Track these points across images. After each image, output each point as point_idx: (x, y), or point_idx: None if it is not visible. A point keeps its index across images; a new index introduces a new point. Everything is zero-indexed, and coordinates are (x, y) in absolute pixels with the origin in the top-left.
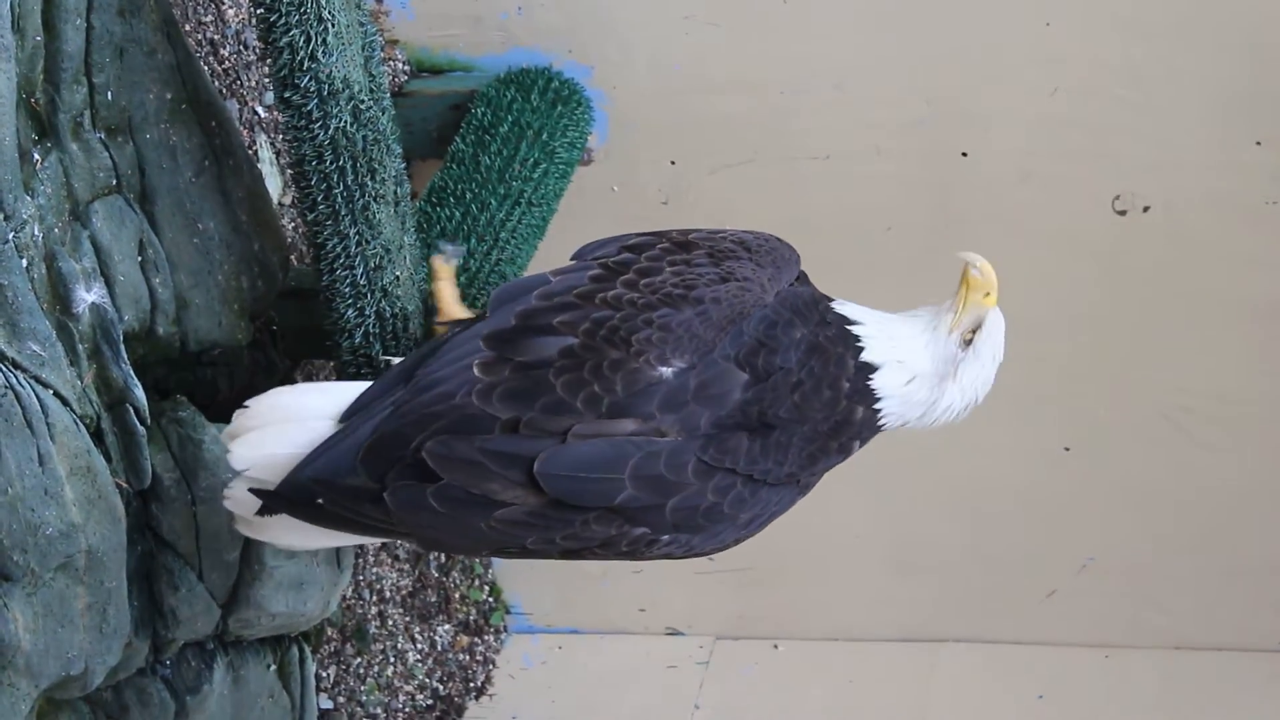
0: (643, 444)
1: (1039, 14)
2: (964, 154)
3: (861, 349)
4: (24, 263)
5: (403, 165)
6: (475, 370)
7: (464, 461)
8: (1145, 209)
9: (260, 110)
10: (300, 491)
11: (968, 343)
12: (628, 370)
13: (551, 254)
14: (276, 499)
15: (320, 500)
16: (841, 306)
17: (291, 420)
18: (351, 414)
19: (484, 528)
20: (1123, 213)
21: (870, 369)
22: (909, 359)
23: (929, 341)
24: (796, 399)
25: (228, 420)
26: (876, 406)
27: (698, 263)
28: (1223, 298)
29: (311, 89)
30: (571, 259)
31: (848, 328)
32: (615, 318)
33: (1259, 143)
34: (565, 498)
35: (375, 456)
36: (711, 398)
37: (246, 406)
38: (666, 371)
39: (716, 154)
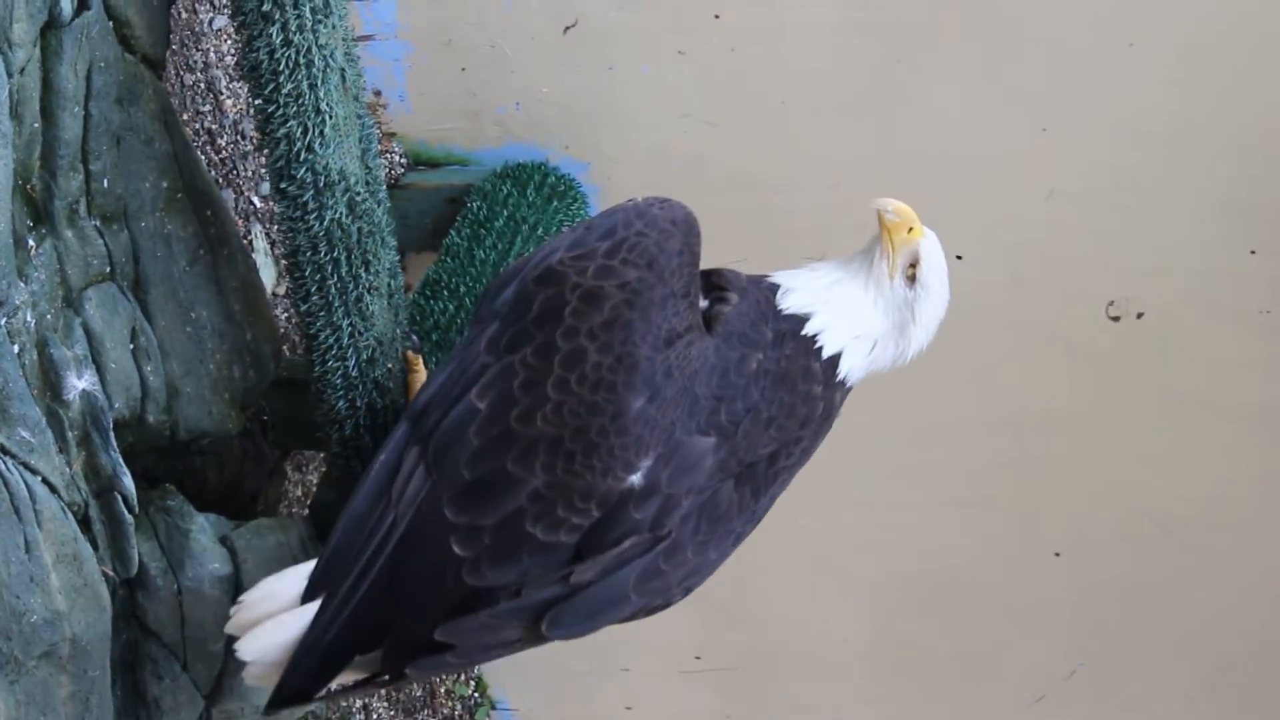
0: (639, 560)
1: (1036, 119)
2: (959, 257)
3: (820, 347)
4: (16, 348)
5: (397, 258)
6: (455, 549)
7: (476, 628)
8: (1139, 315)
9: (256, 200)
10: (308, 691)
11: (912, 279)
12: (600, 494)
13: None
14: (289, 698)
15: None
16: (783, 298)
17: (286, 608)
18: (329, 575)
19: (501, 651)
20: (1117, 318)
21: (835, 360)
22: (865, 328)
23: (876, 298)
24: (773, 432)
25: (216, 510)
26: (848, 383)
27: (623, 323)
28: (1215, 404)
29: (308, 180)
30: (476, 312)
31: (801, 332)
32: (566, 440)
33: (1253, 251)
34: (582, 636)
35: (393, 658)
36: (686, 475)
37: (241, 602)
38: (636, 478)
39: (711, 251)
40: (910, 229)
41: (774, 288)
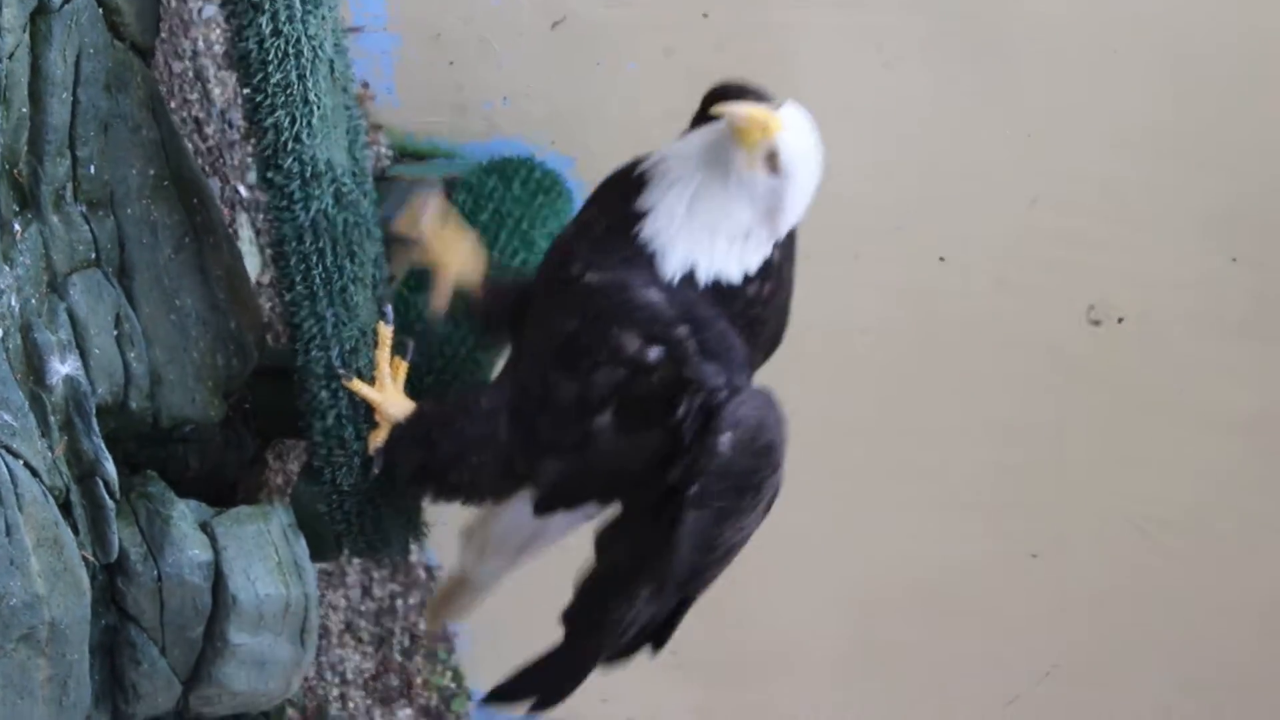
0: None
1: (1020, 124)
2: (941, 259)
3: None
4: (0, 333)
5: (383, 249)
6: None
7: None
8: (1120, 320)
9: (242, 189)
10: None
11: (774, 168)
12: None
13: None
14: None
15: None
16: (663, 262)
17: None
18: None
19: None
20: (1097, 323)
21: (737, 290)
22: (737, 227)
23: (738, 191)
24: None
25: (197, 496)
26: (756, 285)
27: None
28: (1195, 411)
29: (294, 170)
30: None
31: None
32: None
33: (1234, 259)
34: None
35: None
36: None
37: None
38: None
39: None
40: (765, 127)
41: (650, 258)
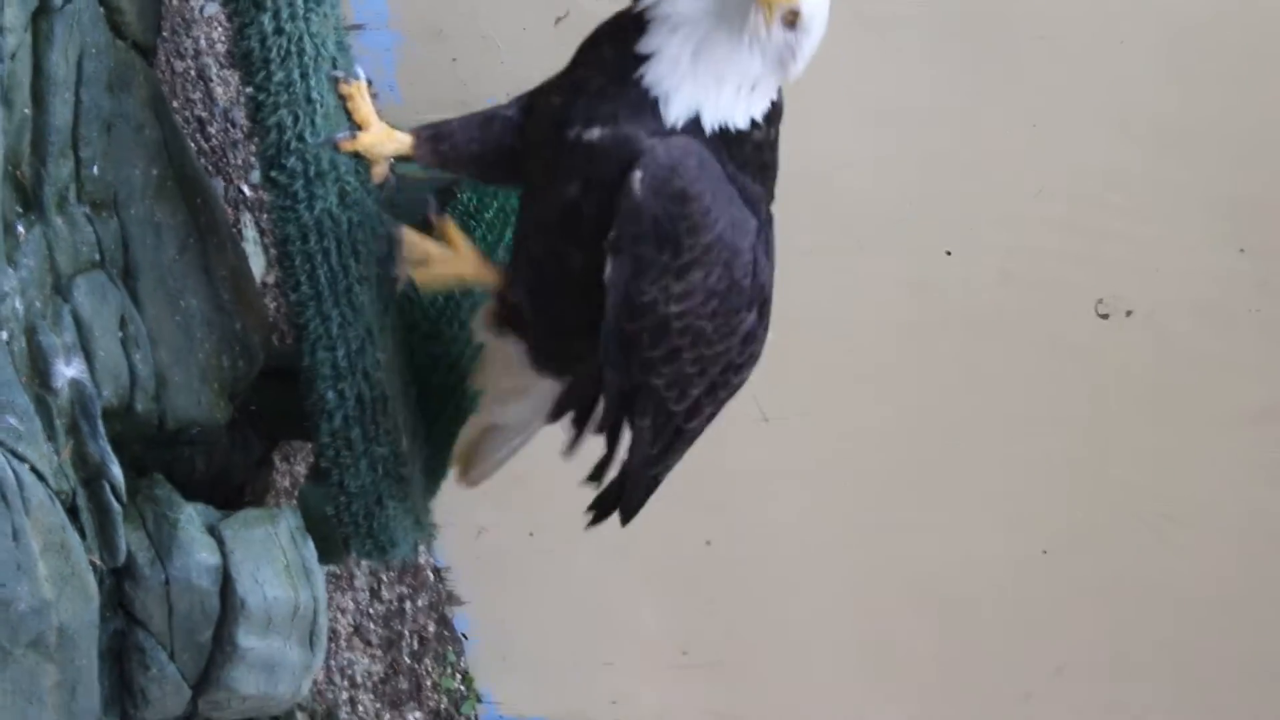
0: None
1: (1026, 115)
2: (948, 252)
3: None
4: (4, 335)
5: (388, 248)
6: None
7: None
8: (1128, 313)
9: (246, 189)
10: None
11: (792, 24)
12: None
13: None
14: None
15: None
16: (666, 108)
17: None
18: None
19: None
20: (1105, 316)
21: (744, 135)
22: (743, 76)
23: (751, 45)
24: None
25: (204, 499)
26: (763, 130)
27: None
28: (1204, 404)
29: (298, 169)
30: None
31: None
32: None
33: (1242, 250)
34: None
35: None
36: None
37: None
38: None
39: None
40: None
41: (653, 103)
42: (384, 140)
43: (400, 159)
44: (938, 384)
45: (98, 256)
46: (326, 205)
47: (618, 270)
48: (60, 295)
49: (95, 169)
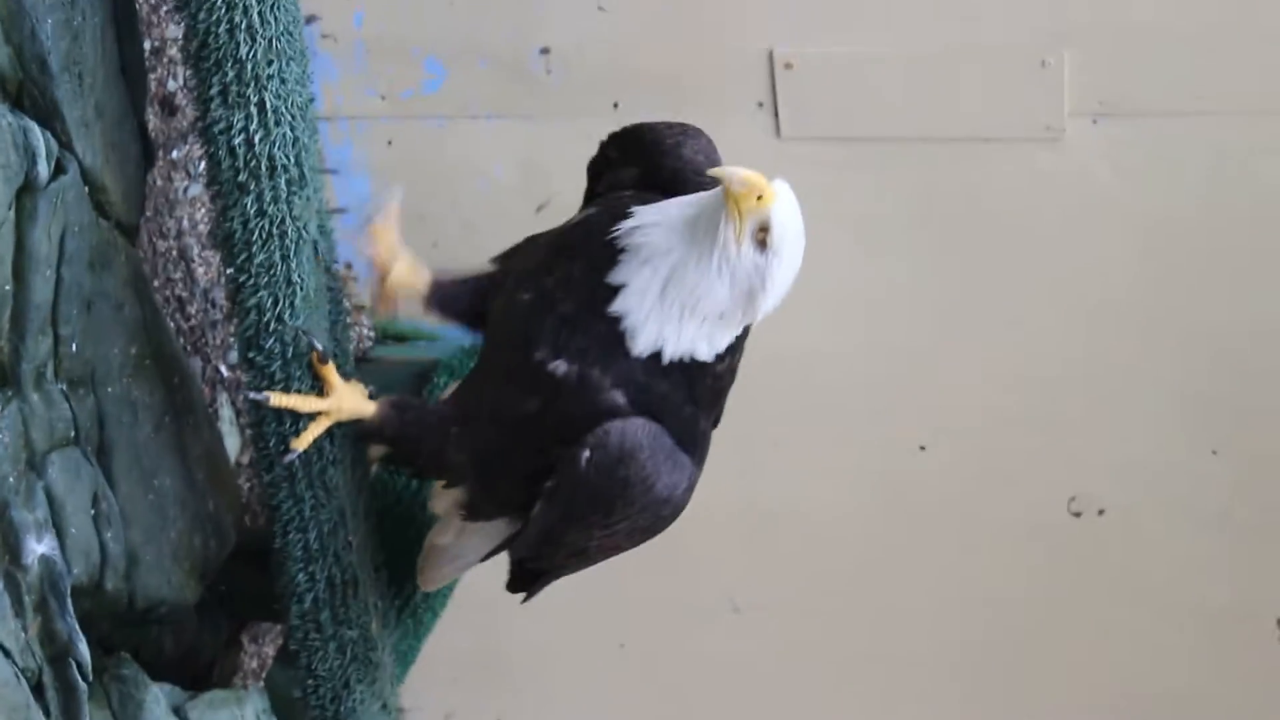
0: None
1: (1001, 311)
2: (921, 446)
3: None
4: None
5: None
6: None
7: None
8: (1100, 511)
9: (223, 369)
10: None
11: (763, 244)
12: None
13: None
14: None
15: None
16: (633, 341)
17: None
18: None
19: None
20: (1078, 514)
21: (705, 366)
22: (712, 307)
23: (721, 267)
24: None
25: (172, 678)
26: (725, 361)
27: None
28: (1175, 604)
29: (276, 350)
30: None
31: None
32: None
33: (1215, 451)
34: None
35: None
36: None
37: None
38: None
39: None
40: (760, 196)
41: (621, 335)
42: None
43: (381, 343)
44: (908, 578)
45: (73, 433)
46: (303, 388)
47: (545, 514)
48: (34, 471)
49: (74, 346)
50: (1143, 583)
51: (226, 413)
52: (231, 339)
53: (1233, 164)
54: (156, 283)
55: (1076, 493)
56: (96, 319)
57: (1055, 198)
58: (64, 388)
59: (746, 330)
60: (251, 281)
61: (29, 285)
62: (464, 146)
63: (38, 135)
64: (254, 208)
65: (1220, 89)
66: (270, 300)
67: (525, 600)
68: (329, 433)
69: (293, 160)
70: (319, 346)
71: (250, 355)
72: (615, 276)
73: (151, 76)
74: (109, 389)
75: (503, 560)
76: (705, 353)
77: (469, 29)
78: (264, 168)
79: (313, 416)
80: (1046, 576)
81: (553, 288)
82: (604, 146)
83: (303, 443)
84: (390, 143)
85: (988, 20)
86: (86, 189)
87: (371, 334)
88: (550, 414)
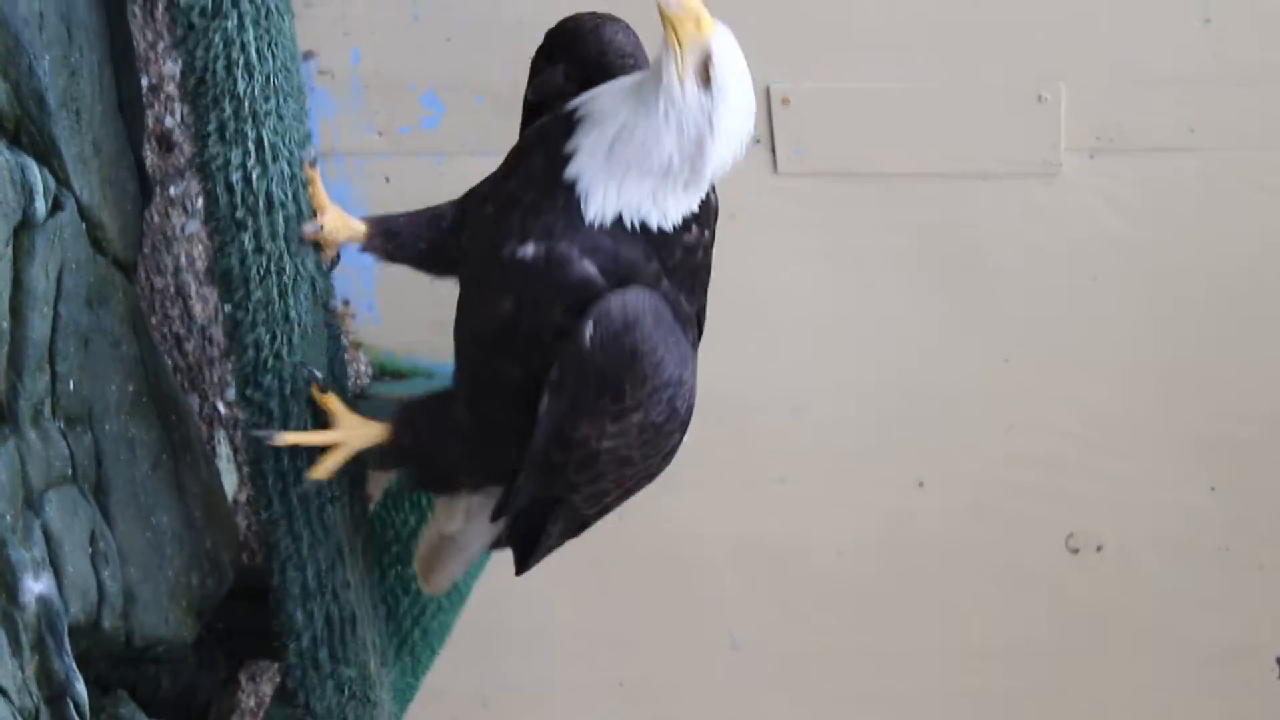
0: None
1: (999, 349)
2: (920, 483)
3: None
4: None
5: (360, 467)
6: None
7: None
8: (1098, 548)
9: (221, 406)
10: None
11: (707, 81)
12: None
13: None
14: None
15: None
16: (588, 207)
17: None
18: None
19: None
20: (1076, 551)
21: (671, 237)
22: (657, 161)
23: (668, 113)
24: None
25: (168, 717)
26: (694, 232)
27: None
28: (1172, 642)
29: (274, 387)
30: None
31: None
32: None
33: (1213, 488)
34: None
35: None
36: None
37: None
38: None
39: (672, 474)
40: (698, 20)
41: (576, 203)
42: (340, 227)
43: (378, 379)
44: (905, 614)
45: (70, 471)
46: (301, 425)
47: (553, 407)
48: (31, 509)
49: (71, 384)
50: (1140, 619)
51: (224, 450)
52: (229, 376)
53: (1227, 198)
54: (154, 319)
55: (1074, 529)
56: (94, 356)
57: (1051, 232)
58: (61, 425)
59: (715, 212)
60: (249, 318)
61: (26, 322)
62: (462, 182)
63: (35, 172)
64: (252, 244)
65: (1214, 124)
66: (268, 337)
67: (519, 573)
68: None
69: (290, 196)
70: (319, 377)
71: (248, 392)
72: (569, 145)
73: (149, 113)
74: (106, 426)
75: (502, 583)
76: (664, 217)
77: (466, 65)
78: (262, 204)
79: (324, 450)
80: (1044, 613)
81: (515, 188)
82: (535, 55)
83: (323, 471)
84: (388, 179)
85: (984, 56)
86: (84, 226)
87: (369, 370)
88: (525, 307)
